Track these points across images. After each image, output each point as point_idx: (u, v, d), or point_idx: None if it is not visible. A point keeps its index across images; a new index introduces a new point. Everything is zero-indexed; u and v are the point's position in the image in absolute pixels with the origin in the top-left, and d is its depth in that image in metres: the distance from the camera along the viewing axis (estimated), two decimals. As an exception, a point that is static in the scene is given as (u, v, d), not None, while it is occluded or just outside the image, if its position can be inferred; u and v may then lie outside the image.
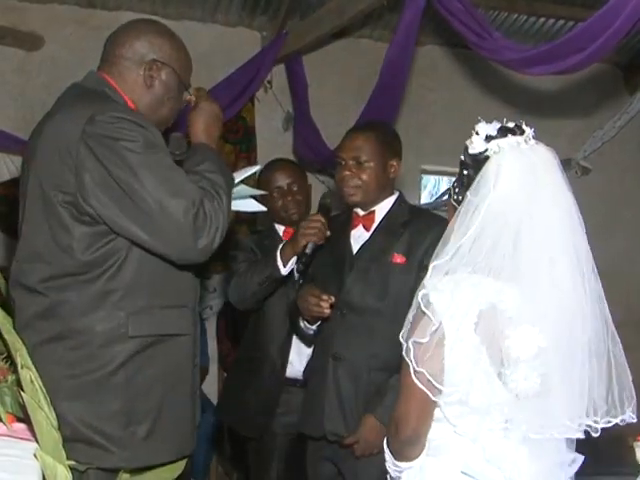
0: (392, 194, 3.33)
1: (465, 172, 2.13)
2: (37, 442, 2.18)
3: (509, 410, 1.95)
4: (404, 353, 2.00)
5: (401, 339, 2.02)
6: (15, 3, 6.47)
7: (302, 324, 3.23)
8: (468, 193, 2.06)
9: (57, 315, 2.38)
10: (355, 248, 3.27)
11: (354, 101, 6.31)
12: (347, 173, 3.20)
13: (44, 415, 2.17)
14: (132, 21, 2.71)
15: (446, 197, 2.32)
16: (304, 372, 3.68)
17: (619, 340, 2.01)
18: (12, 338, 2.34)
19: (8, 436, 2.30)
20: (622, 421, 1.99)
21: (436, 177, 7.97)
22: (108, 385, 2.38)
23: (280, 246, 3.33)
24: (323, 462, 3.34)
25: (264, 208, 3.04)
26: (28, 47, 6.56)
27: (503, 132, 2.09)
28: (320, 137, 6.49)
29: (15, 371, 2.32)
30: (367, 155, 3.20)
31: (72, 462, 2.24)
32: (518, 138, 2.07)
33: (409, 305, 2.05)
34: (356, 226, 3.30)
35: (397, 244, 3.19)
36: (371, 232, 3.28)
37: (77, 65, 6.10)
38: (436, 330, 1.95)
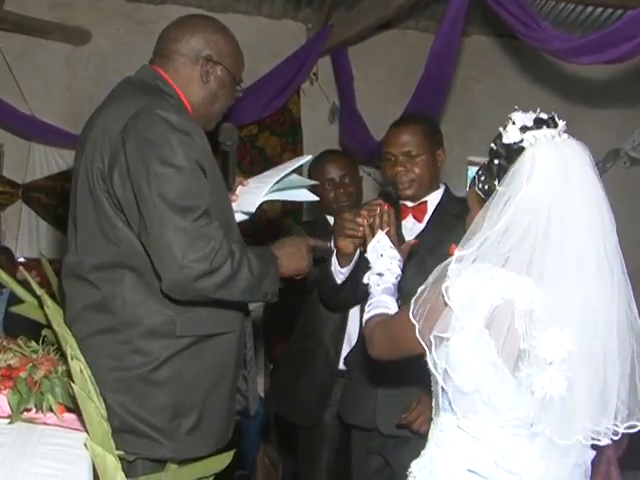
0: (440, 185, 3.31)
1: (496, 161, 2.06)
2: (87, 432, 2.21)
3: (533, 414, 1.91)
4: (418, 336, 1.98)
5: (412, 317, 2.01)
6: (62, -2, 6.54)
7: (333, 267, 3.11)
8: (496, 183, 2.02)
9: (108, 308, 2.40)
10: (408, 239, 3.24)
11: (400, 93, 6.30)
12: (400, 169, 3.18)
13: (94, 406, 2.19)
14: (187, 16, 2.72)
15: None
16: (346, 360, 3.64)
17: None
18: (62, 330, 2.37)
19: (59, 426, 2.33)
20: None
21: (483, 168, 7.92)
22: (154, 380, 2.39)
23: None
24: (370, 456, 3.32)
25: (316, 197, 3.03)
26: (76, 42, 6.63)
27: (538, 123, 2.02)
28: (366, 129, 6.49)
29: (65, 362, 2.34)
30: (417, 148, 3.18)
31: (121, 452, 2.27)
32: (552, 131, 2.00)
33: None
34: (405, 217, 3.27)
35: (453, 235, 3.15)
36: (425, 223, 3.26)
37: (124, 59, 6.20)
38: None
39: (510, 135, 2.03)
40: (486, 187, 2.08)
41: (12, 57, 6.44)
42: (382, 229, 2.65)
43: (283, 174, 2.76)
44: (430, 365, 2.00)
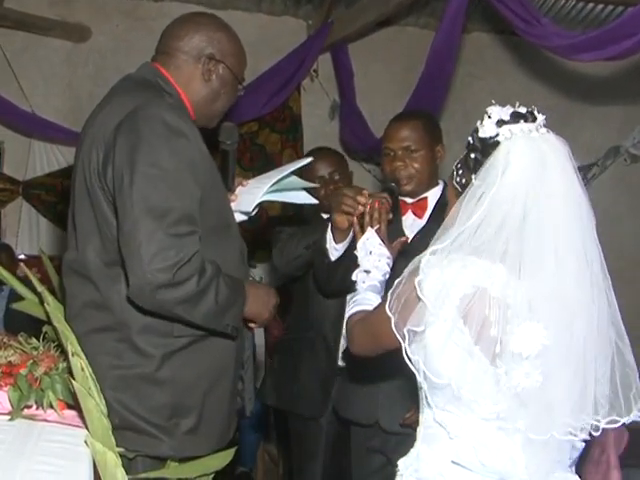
0: (438, 181, 3.31)
1: (472, 155, 2.05)
2: (87, 429, 2.21)
3: (507, 408, 1.90)
4: (394, 329, 1.97)
5: (388, 311, 1.99)
6: (63, -5, 6.54)
7: (328, 244, 3.08)
8: (473, 177, 2.00)
9: (106, 306, 2.40)
10: (409, 235, 3.24)
11: (400, 89, 6.30)
12: (399, 164, 3.18)
13: (94, 403, 2.19)
14: (190, 14, 2.71)
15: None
16: (344, 355, 3.61)
17: (627, 338, 1.94)
18: (62, 327, 2.38)
19: (59, 423, 2.33)
20: (631, 422, 1.94)
21: (483, 165, 7.92)
22: (154, 379, 2.39)
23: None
24: (371, 454, 3.32)
25: (315, 201, 3.03)
26: (75, 39, 6.64)
27: (515, 117, 2.01)
28: (366, 125, 6.49)
29: (65, 359, 2.35)
30: (417, 144, 3.18)
31: (121, 449, 2.27)
32: (530, 125, 1.99)
33: None
34: (405, 213, 3.28)
35: None
36: (425, 219, 3.26)
37: (123, 56, 6.20)
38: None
39: (486, 129, 2.03)
40: (463, 181, 2.08)
41: (12, 54, 6.45)
42: (372, 226, 2.64)
43: (282, 175, 2.77)
44: (406, 360, 1.99)
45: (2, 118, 6.48)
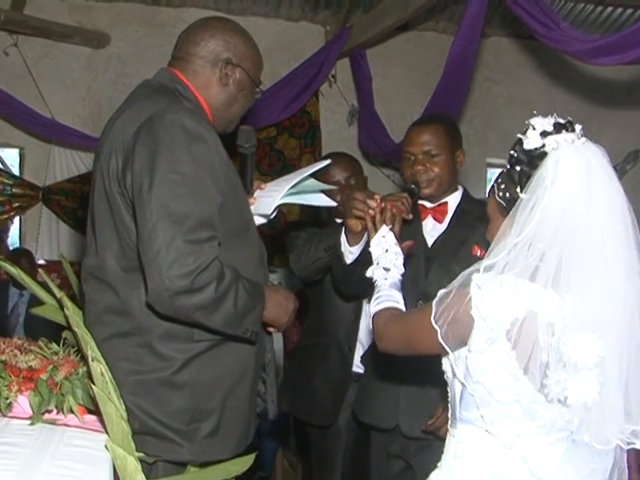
0: (458, 187, 3.31)
1: (517, 168, 2.05)
2: (107, 434, 2.22)
3: (568, 420, 1.91)
4: (442, 341, 1.99)
5: (433, 322, 2.01)
6: (82, 2, 6.61)
7: (343, 247, 3.07)
8: (518, 190, 2.01)
9: (126, 311, 2.40)
10: (429, 240, 3.24)
11: (418, 95, 6.30)
12: (419, 167, 3.17)
13: (114, 407, 2.20)
14: (206, 19, 2.71)
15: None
16: (362, 359, 3.61)
17: None
18: (82, 331, 2.38)
19: (80, 427, 2.34)
20: None
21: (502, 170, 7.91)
22: (173, 383, 2.39)
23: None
24: (391, 459, 3.30)
25: (334, 203, 3.03)
26: (95, 45, 6.68)
27: (558, 128, 2.02)
28: (385, 131, 6.49)
29: (85, 364, 2.35)
30: (437, 148, 3.18)
31: (141, 454, 2.28)
32: (572, 135, 2.00)
33: None
34: (425, 218, 3.27)
35: (476, 236, 3.15)
36: (446, 224, 3.25)
37: (142, 61, 6.24)
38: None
39: (531, 141, 2.02)
40: (507, 195, 2.08)
41: (32, 61, 6.50)
42: (386, 224, 2.64)
43: (300, 178, 2.77)
44: (448, 372, 2.02)
45: (22, 124, 6.53)
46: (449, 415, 2.16)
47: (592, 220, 1.91)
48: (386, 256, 2.53)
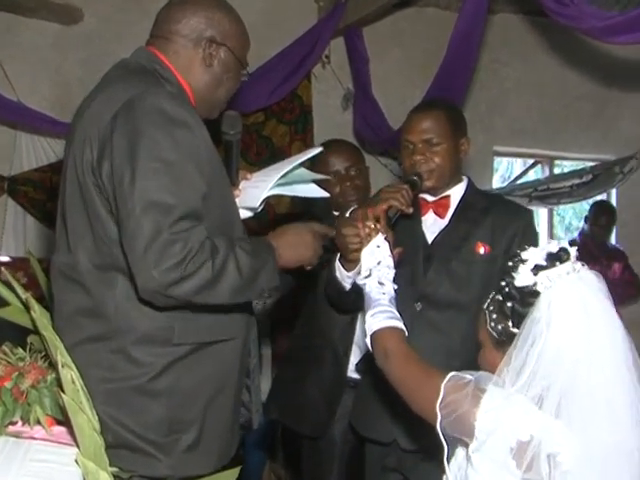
0: (462, 177, 3.30)
1: (509, 304, 2.13)
2: (78, 447, 2.21)
3: None
4: (439, 430, 2.09)
5: (437, 408, 2.08)
6: (50, -27, 6.53)
7: (338, 273, 3.10)
8: (510, 324, 2.12)
9: (100, 313, 2.40)
10: (429, 237, 3.24)
11: (419, 77, 6.30)
12: (419, 157, 3.17)
13: (86, 418, 2.19)
14: None
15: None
16: (357, 367, 3.61)
17: None
18: (50, 335, 2.37)
19: (48, 440, 2.33)
20: None
21: (509, 159, 7.93)
22: (149, 391, 2.39)
23: (350, 210, 3.29)
24: (387, 472, 3.32)
25: (326, 194, 3.02)
26: (65, 21, 6.63)
27: (551, 260, 2.09)
28: (382, 116, 6.49)
29: (54, 371, 2.35)
30: (439, 136, 3.17)
31: (115, 469, 2.27)
32: (566, 266, 2.07)
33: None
34: (425, 213, 3.27)
35: (479, 232, 3.15)
36: (448, 219, 3.25)
37: (117, 40, 6.20)
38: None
39: (522, 277, 2.11)
40: (499, 327, 2.17)
41: (-5, 38, 6.46)
42: (382, 232, 2.72)
43: (290, 167, 2.76)
44: (446, 469, 2.13)
45: (-16, 108, 6.49)
46: None
47: (593, 359, 1.99)
48: (379, 269, 2.59)
